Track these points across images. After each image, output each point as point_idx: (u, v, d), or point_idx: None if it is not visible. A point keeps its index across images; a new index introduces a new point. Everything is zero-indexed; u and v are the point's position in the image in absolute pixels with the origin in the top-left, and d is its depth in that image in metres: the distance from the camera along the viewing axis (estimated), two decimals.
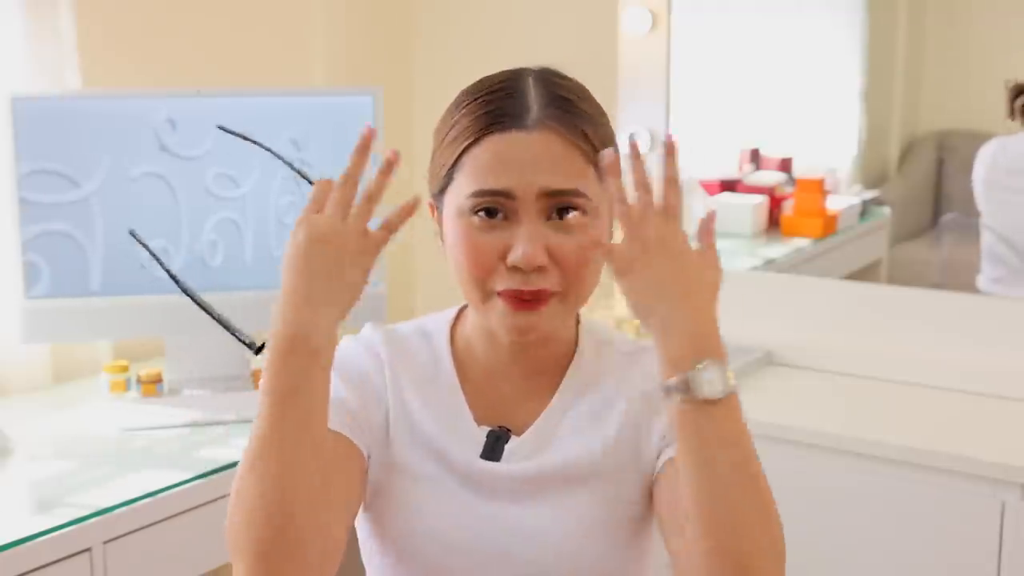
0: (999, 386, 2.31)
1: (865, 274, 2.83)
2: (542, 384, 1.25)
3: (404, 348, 1.28)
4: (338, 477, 1.13)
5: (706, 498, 1.04)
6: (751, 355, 2.49)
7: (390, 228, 1.12)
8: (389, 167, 1.11)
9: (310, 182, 1.12)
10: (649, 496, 1.23)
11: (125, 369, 2.27)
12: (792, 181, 2.90)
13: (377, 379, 1.25)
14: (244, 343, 1.10)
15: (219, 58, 2.62)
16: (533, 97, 1.17)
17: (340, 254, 1.09)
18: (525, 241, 1.13)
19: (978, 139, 2.57)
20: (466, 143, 1.16)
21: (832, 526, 2.13)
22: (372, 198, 1.10)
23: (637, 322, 2.60)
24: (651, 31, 2.61)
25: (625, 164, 1.12)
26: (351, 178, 1.11)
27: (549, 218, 1.15)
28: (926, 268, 2.74)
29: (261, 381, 1.08)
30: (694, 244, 1.11)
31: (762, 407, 2.25)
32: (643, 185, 1.11)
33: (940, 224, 2.78)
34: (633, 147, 1.12)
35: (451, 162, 1.18)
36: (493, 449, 1.23)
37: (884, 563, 2.09)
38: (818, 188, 2.82)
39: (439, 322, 1.30)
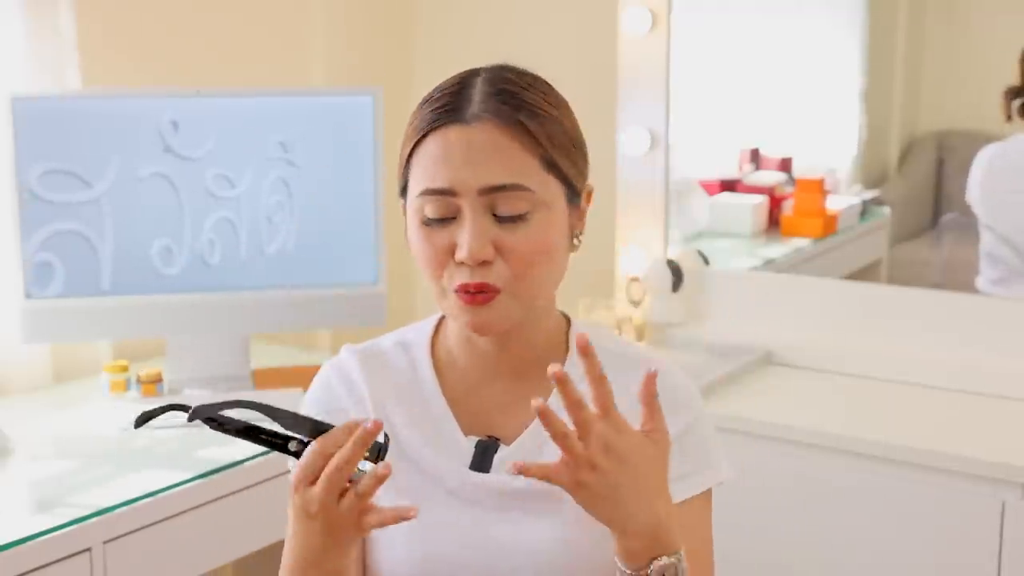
0: (999, 386, 2.31)
1: (865, 274, 2.83)
2: (529, 390, 1.21)
3: (383, 364, 1.27)
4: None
5: None
6: (751, 355, 2.49)
7: (364, 498, 1.06)
8: (363, 442, 1.05)
9: (305, 444, 1.09)
10: None
11: (125, 369, 2.27)
12: (792, 181, 2.90)
13: (357, 410, 1.24)
14: (288, 452, 1.09)
15: (219, 58, 2.62)
16: (476, 91, 1.16)
17: (332, 528, 1.07)
18: (468, 237, 1.13)
19: (978, 139, 2.57)
20: (413, 141, 1.17)
21: (832, 526, 2.12)
22: (364, 495, 1.05)
23: (637, 322, 2.62)
24: (651, 31, 2.61)
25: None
26: (348, 464, 1.04)
27: (496, 212, 1.14)
28: (926, 268, 2.74)
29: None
30: (637, 411, 1.07)
31: (762, 407, 2.25)
32: (575, 404, 1.04)
33: (940, 224, 2.78)
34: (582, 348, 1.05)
35: (404, 162, 1.19)
36: (482, 460, 1.21)
37: (884, 563, 2.09)
38: (818, 188, 2.82)
39: (419, 332, 1.29)
